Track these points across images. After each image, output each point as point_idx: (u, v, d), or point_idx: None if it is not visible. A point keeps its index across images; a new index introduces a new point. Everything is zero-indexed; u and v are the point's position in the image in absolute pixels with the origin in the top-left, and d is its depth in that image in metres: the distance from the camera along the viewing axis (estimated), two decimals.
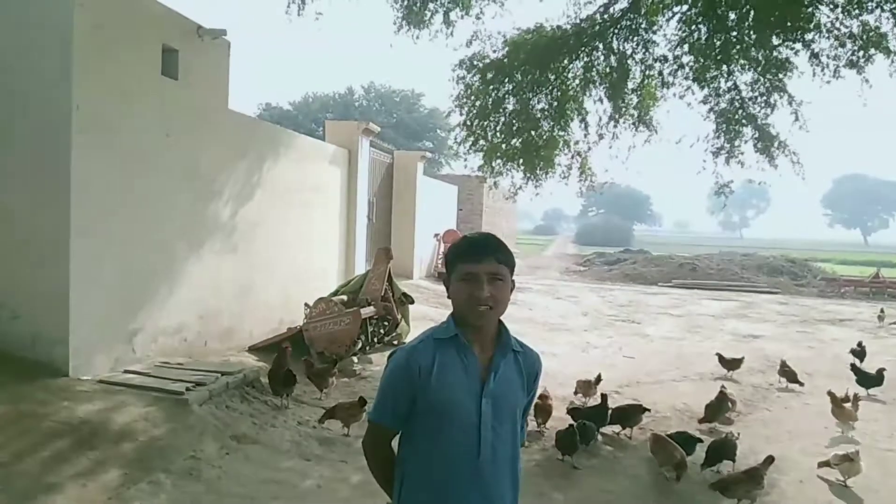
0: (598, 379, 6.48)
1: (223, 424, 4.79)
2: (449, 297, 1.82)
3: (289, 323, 7.90)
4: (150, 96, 5.56)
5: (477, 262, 1.75)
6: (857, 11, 7.06)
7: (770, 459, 4.33)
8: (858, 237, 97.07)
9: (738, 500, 4.13)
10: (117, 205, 5.30)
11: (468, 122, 8.79)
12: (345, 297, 7.78)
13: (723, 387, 6.24)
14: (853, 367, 7.46)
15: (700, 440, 5.01)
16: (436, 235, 16.21)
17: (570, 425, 4.89)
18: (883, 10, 6.97)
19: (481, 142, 8.93)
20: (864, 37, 7.10)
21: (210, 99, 6.40)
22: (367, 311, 7.50)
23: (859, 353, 8.41)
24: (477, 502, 1.75)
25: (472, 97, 8.83)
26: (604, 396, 5.55)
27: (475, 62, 8.69)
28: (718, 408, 5.85)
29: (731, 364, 7.86)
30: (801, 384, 7.33)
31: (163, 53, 5.66)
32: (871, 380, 7.14)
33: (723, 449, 4.69)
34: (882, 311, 13.47)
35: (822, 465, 4.83)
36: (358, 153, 10.66)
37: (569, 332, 10.91)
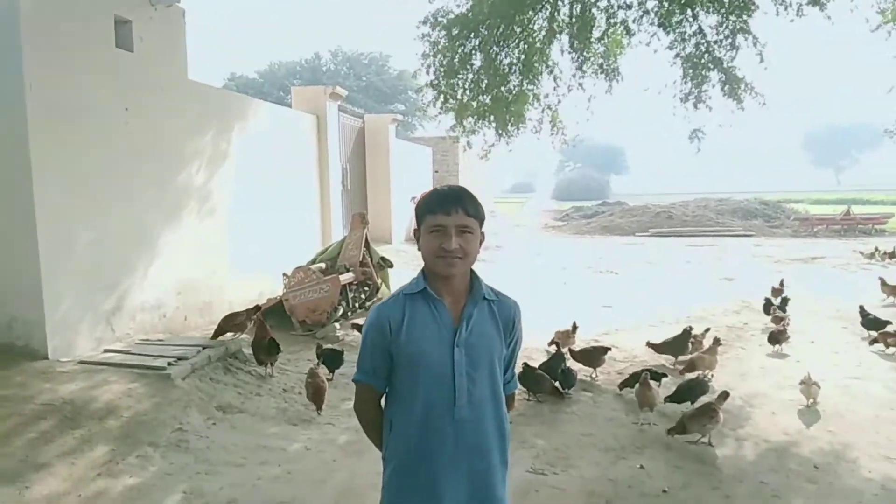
0: (575, 327, 6.61)
1: (208, 396, 4.83)
2: (419, 249, 1.84)
3: (268, 294, 7.90)
4: (105, 70, 5.42)
5: (445, 213, 1.75)
6: None
7: (724, 395, 4.48)
8: (831, 178, 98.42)
9: (697, 435, 4.26)
10: (82, 183, 5.21)
11: (437, 81, 8.66)
12: (323, 265, 7.78)
13: (689, 327, 6.34)
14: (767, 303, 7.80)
15: (664, 375, 5.20)
16: (412, 199, 16.14)
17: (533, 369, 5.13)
18: None
19: (451, 101, 8.82)
20: None
21: (168, 69, 6.24)
22: (346, 278, 7.51)
23: (778, 290, 8.61)
24: (457, 448, 1.80)
25: (439, 55, 8.68)
26: (558, 346, 5.68)
27: (439, 18, 8.52)
28: (676, 344, 6.03)
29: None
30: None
31: (115, 25, 5.49)
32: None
33: (695, 388, 4.82)
34: (876, 249, 13.57)
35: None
36: (326, 118, 10.51)
37: (548, 286, 11.04)
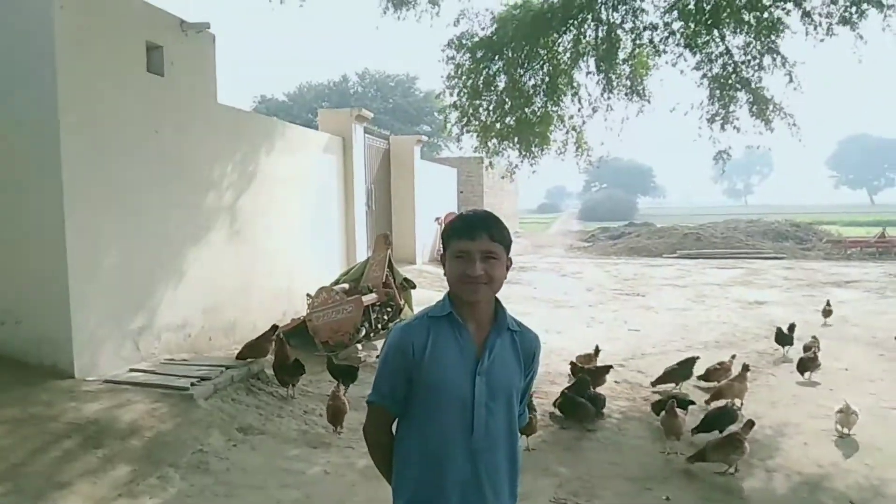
0: (597, 351, 6.50)
1: (229, 417, 4.84)
2: (444, 274, 1.83)
3: (292, 314, 7.93)
4: (136, 94, 5.55)
5: (470, 239, 1.74)
6: None
7: (750, 424, 4.35)
8: (865, 197, 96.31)
9: (722, 466, 4.13)
10: (112, 203, 5.31)
11: (459, 103, 8.73)
12: (346, 286, 7.79)
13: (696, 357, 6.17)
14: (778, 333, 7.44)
15: (692, 401, 5.08)
16: (437, 219, 16.18)
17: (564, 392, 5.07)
18: None
19: (474, 122, 8.87)
20: None
21: (198, 93, 6.38)
22: (369, 299, 7.51)
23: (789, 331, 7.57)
24: (471, 479, 1.76)
25: (463, 77, 8.76)
26: (573, 368, 5.59)
27: (464, 41, 8.61)
28: (676, 371, 5.90)
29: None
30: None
31: (147, 51, 5.63)
32: (786, 338, 7.28)
33: (720, 418, 4.68)
34: None
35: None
36: (352, 140, 10.62)
37: (573, 308, 10.91)
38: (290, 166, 8.55)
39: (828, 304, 9.06)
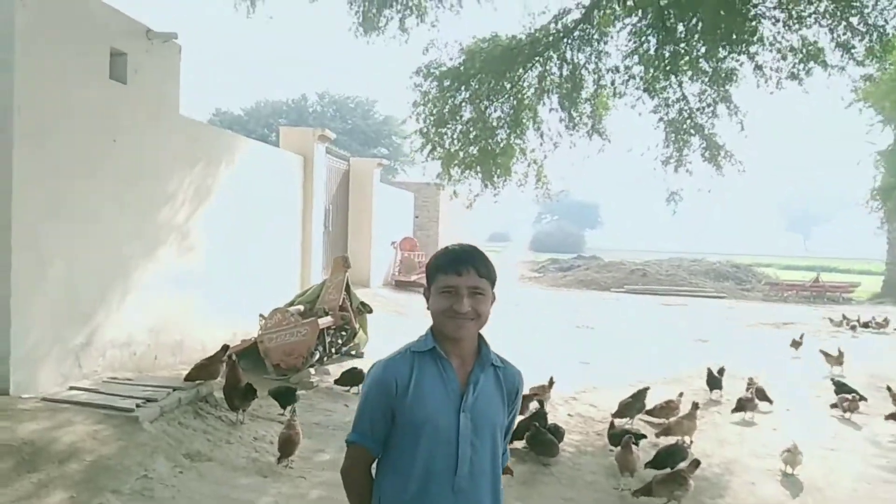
0: (551, 382, 6.54)
1: (176, 442, 4.62)
2: (428, 308, 1.80)
3: (243, 335, 7.70)
4: (96, 101, 5.36)
5: (457, 274, 1.72)
6: (796, 26, 7.39)
7: (696, 463, 4.45)
8: (799, 243, 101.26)
9: (666, 501, 4.21)
10: (62, 213, 5.08)
11: (425, 130, 8.80)
12: (301, 308, 7.64)
13: (646, 388, 6.30)
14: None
15: (643, 436, 5.19)
16: (393, 243, 16.12)
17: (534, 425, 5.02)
18: (821, 26, 7.32)
19: (438, 149, 8.95)
20: (804, 50, 7.42)
21: (160, 103, 6.21)
22: (325, 322, 7.38)
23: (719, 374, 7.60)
24: None
25: (430, 104, 8.86)
26: (541, 404, 5.63)
27: (432, 70, 8.72)
28: (631, 404, 6.00)
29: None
30: (771, 401, 6.93)
31: (111, 57, 5.46)
32: (716, 381, 7.27)
33: (672, 455, 4.77)
34: (844, 317, 13.66)
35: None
36: (313, 160, 10.53)
37: (522, 338, 10.98)
38: (249, 183, 8.39)
39: (801, 336, 9.12)
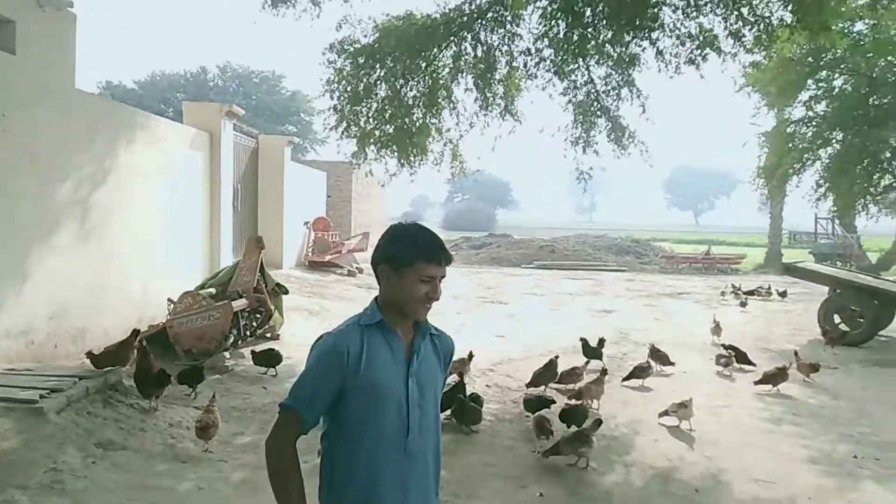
0: (471, 356, 6.74)
1: (86, 432, 4.42)
2: (388, 287, 1.83)
3: (149, 320, 7.39)
4: None
5: (438, 264, 1.82)
6: (694, 14, 7.83)
7: (598, 422, 4.80)
8: (691, 218, 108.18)
9: (575, 459, 4.52)
10: None
11: (339, 107, 8.65)
12: (213, 291, 7.41)
13: (556, 357, 6.65)
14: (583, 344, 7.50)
15: (553, 401, 5.54)
16: (305, 223, 15.81)
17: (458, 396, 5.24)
18: (716, 15, 7.80)
19: (354, 127, 8.83)
20: (701, 37, 7.90)
21: (54, 76, 5.78)
22: (239, 304, 7.20)
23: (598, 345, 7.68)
24: (408, 480, 1.81)
25: (344, 82, 8.70)
26: (460, 376, 5.80)
27: (346, 46, 8.55)
28: (544, 374, 6.32)
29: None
30: (673, 364, 7.43)
31: None
32: (593, 351, 7.40)
33: (572, 415, 5.09)
34: (732, 286, 14.66)
35: (661, 414, 5.49)
36: (220, 137, 10.12)
37: (441, 315, 11.14)
38: (152, 161, 7.98)
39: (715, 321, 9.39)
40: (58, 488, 3.72)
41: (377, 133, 8.80)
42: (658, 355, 7.50)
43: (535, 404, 5.42)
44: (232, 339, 7.21)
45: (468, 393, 5.53)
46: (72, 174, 6.21)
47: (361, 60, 8.48)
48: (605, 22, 7.89)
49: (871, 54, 10.71)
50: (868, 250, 24.15)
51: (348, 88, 8.58)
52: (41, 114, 5.63)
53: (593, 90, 8.87)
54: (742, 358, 7.62)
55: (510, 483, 4.34)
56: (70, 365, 5.70)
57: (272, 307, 7.95)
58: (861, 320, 9.44)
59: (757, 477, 4.50)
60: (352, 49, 8.47)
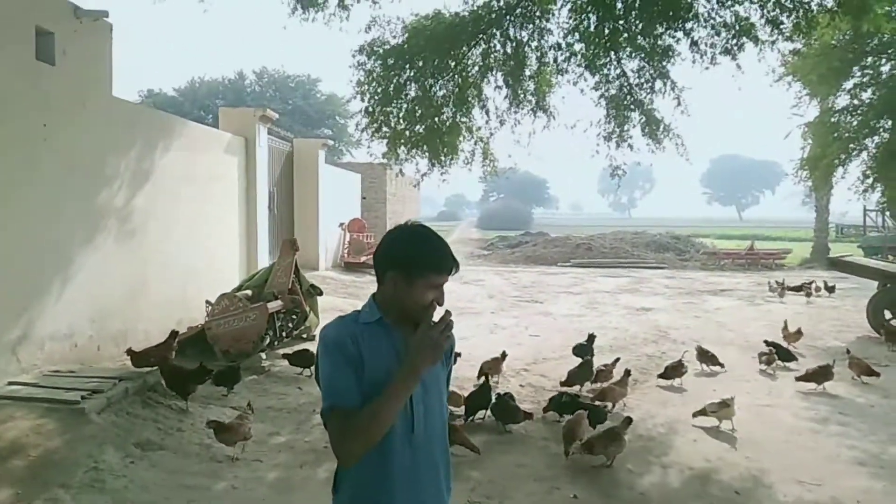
0: (504, 356, 6.69)
1: (125, 432, 4.53)
2: (387, 286, 1.81)
3: (189, 322, 7.54)
4: (23, 83, 5.09)
5: (448, 273, 1.82)
6: (729, 2, 7.61)
7: (628, 420, 4.70)
8: (734, 213, 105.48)
9: (602, 458, 4.45)
10: None
11: (370, 109, 8.69)
12: (249, 292, 7.53)
13: (589, 358, 6.62)
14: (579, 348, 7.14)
15: (580, 401, 5.45)
16: (341, 225, 15.97)
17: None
18: (752, 2, 7.57)
19: (384, 129, 8.87)
20: (737, 26, 7.66)
21: (92, 85, 5.94)
22: (274, 306, 7.30)
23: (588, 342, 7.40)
24: (414, 475, 1.79)
25: (374, 83, 8.73)
26: (486, 377, 5.78)
27: (375, 48, 8.59)
28: (578, 374, 6.24)
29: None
30: (721, 365, 7.22)
31: (37, 36, 5.18)
32: (584, 349, 7.09)
33: (591, 416, 4.97)
34: (777, 282, 13.96)
35: (696, 414, 5.33)
36: (256, 141, 10.29)
37: (476, 314, 11.14)
38: (189, 166, 8.15)
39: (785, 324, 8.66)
40: (98, 487, 3.81)
41: (407, 133, 8.82)
42: (707, 356, 7.29)
43: (559, 405, 5.33)
44: (268, 340, 7.32)
45: (502, 392, 5.50)
46: (111, 180, 6.39)
47: (391, 61, 8.51)
48: (636, 13, 7.73)
49: None
50: None
51: (378, 90, 8.61)
52: (80, 122, 5.80)
53: (626, 84, 8.70)
54: (785, 355, 7.36)
55: (544, 484, 4.27)
56: (112, 367, 5.86)
57: (307, 308, 8.04)
58: None
59: (801, 479, 4.33)
60: (381, 51, 8.50)
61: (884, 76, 11.09)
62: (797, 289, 13.45)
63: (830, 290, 13.28)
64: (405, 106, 8.70)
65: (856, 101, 11.54)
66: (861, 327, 9.57)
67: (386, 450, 1.76)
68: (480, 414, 5.38)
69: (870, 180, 11.64)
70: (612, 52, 8.45)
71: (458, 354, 6.73)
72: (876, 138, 11.36)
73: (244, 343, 6.88)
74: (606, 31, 8.06)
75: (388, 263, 1.83)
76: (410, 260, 1.80)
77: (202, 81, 39.66)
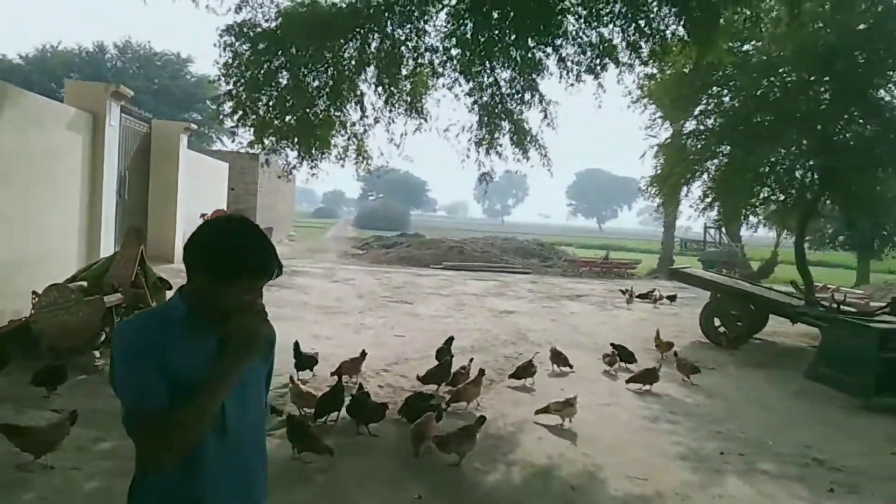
0: (364, 355, 6.60)
1: None
2: (194, 284, 1.65)
3: (11, 314, 6.73)
4: None
5: (267, 278, 1.68)
6: (595, 24, 8.05)
7: (482, 419, 4.82)
8: (595, 225, 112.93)
9: (456, 456, 4.52)
10: None
11: (236, 93, 8.24)
12: (85, 283, 6.84)
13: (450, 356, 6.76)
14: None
15: (433, 396, 5.61)
16: (203, 216, 15.04)
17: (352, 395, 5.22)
18: (615, 25, 8.05)
19: (252, 116, 8.44)
20: (601, 47, 8.13)
21: None
22: (113, 299, 6.67)
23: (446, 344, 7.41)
24: (230, 476, 1.67)
25: (242, 67, 8.29)
26: (339, 378, 5.70)
27: (245, 30, 8.16)
28: (436, 373, 6.34)
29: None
30: (571, 366, 7.61)
31: None
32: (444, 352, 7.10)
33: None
34: (627, 290, 15.16)
35: (539, 412, 5.58)
36: (105, 119, 9.42)
37: (344, 314, 10.95)
38: (21, 141, 7.28)
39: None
40: None
41: (276, 123, 8.46)
42: (559, 357, 7.70)
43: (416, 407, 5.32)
44: (104, 337, 6.68)
45: (356, 392, 5.40)
46: None
47: (262, 46, 8.12)
48: (510, 25, 7.96)
49: (755, 74, 11.44)
50: (751, 259, 25.97)
51: (246, 74, 8.19)
52: None
53: (498, 92, 8.93)
54: (627, 357, 7.91)
55: (390, 486, 4.23)
56: None
57: (153, 303, 7.44)
58: (739, 324, 10.07)
59: (630, 474, 4.63)
60: (252, 33, 8.09)
61: (726, 106, 12.28)
62: (644, 296, 14.58)
63: (672, 298, 14.51)
64: (276, 94, 8.34)
65: (701, 127, 12.68)
66: (696, 333, 10.52)
67: (195, 453, 1.60)
68: (333, 415, 5.24)
69: (709, 199, 12.85)
70: (487, 61, 8.64)
71: (316, 356, 6.62)
72: (716, 161, 12.57)
73: (75, 339, 6.24)
74: (482, 40, 8.22)
75: (197, 264, 1.66)
76: (223, 264, 1.62)
77: (54, 50, 35.91)
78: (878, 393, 6.73)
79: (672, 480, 4.57)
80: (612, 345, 8.23)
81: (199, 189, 14.69)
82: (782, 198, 12.69)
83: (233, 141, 9.46)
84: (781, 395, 7.35)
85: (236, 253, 1.63)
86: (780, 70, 11.59)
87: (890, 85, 11.51)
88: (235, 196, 19.87)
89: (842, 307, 8.65)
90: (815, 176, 12.18)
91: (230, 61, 8.32)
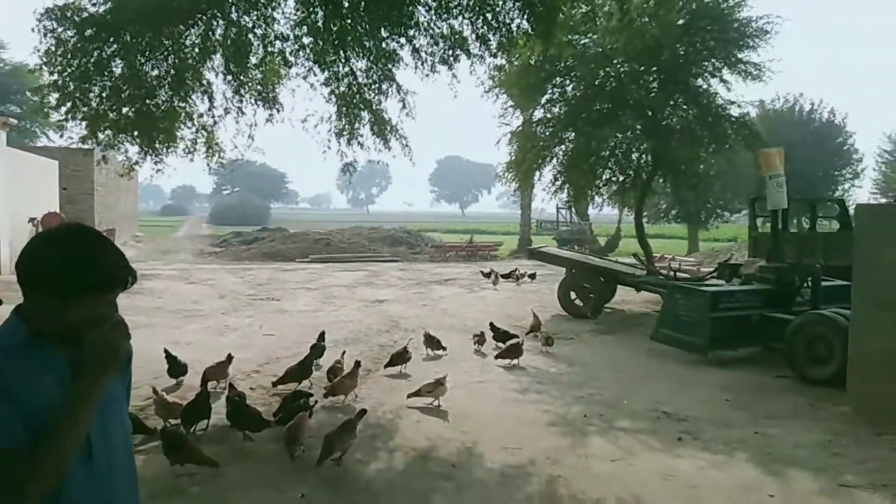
0: (230, 359, 6.34)
1: None
2: (33, 303, 1.49)
3: None
4: None
5: (119, 288, 1.54)
6: (445, 16, 8.22)
7: (363, 412, 4.85)
8: (458, 210, 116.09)
9: (338, 453, 4.48)
10: None
11: (63, 84, 7.45)
12: None
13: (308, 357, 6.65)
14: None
15: (311, 394, 5.54)
16: (31, 220, 13.50)
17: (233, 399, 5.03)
18: (465, 18, 8.28)
19: (82, 108, 7.68)
20: (452, 38, 8.32)
21: None
22: None
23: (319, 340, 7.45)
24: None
25: (68, 55, 7.51)
26: (204, 386, 5.51)
27: (69, 14, 7.39)
28: (297, 373, 6.24)
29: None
30: (444, 348, 7.85)
31: None
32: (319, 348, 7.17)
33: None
34: (491, 271, 15.60)
35: (411, 395, 5.74)
36: None
37: (204, 317, 10.39)
38: None
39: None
40: None
41: (112, 115, 7.78)
42: (433, 341, 7.90)
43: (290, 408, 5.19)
44: None
45: (229, 396, 5.19)
46: None
47: (90, 32, 7.40)
48: (362, 14, 7.91)
49: (592, 65, 12.34)
50: (598, 235, 28.09)
51: (73, 62, 7.43)
52: None
53: (355, 82, 8.85)
54: (502, 336, 8.26)
55: (271, 489, 4.12)
56: None
57: None
58: (591, 296, 10.90)
59: (505, 445, 4.89)
60: (77, 18, 7.34)
61: (568, 95, 13.13)
62: (507, 276, 15.28)
63: (532, 276, 15.35)
64: (109, 84, 7.65)
65: (548, 115, 13.48)
66: (556, 307, 11.22)
67: (65, 492, 1.47)
68: (202, 424, 4.99)
69: (559, 182, 13.73)
70: (341, 50, 8.52)
71: (185, 365, 6.27)
72: (563, 147, 13.43)
73: None
74: (334, 28, 8.10)
75: (37, 281, 1.50)
76: (68, 280, 1.47)
77: None
78: (712, 348, 7.62)
79: (543, 446, 4.88)
80: (491, 325, 8.53)
81: (24, 191, 13.13)
82: (622, 178, 13.89)
83: (61, 136, 8.55)
84: (632, 357, 8.08)
85: (82, 266, 1.49)
86: (615, 61, 12.61)
87: (706, 74, 12.94)
88: (69, 196, 18.02)
89: (677, 274, 9.67)
90: (649, 157, 13.45)
91: (52, 48, 7.52)
